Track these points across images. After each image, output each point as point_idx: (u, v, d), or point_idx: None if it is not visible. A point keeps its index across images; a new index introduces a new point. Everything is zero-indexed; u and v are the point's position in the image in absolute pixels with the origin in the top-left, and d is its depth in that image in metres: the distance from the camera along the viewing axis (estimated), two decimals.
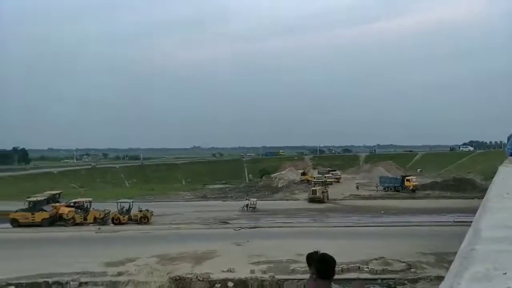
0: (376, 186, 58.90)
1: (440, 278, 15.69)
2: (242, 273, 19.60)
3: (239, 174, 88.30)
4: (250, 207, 42.45)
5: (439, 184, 58.31)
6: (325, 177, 62.85)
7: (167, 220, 37.35)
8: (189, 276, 19.40)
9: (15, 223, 34.14)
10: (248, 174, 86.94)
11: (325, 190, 49.87)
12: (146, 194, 60.85)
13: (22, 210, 35.00)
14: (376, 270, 19.88)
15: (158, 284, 18.92)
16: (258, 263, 21.36)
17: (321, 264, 3.63)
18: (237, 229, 31.36)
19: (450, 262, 3.65)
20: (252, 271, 19.79)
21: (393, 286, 18.79)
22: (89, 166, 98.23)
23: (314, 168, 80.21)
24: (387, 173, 72.40)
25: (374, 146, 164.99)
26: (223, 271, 19.83)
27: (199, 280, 19.09)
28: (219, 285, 18.87)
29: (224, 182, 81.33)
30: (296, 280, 18.61)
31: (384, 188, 57.81)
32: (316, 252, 3.76)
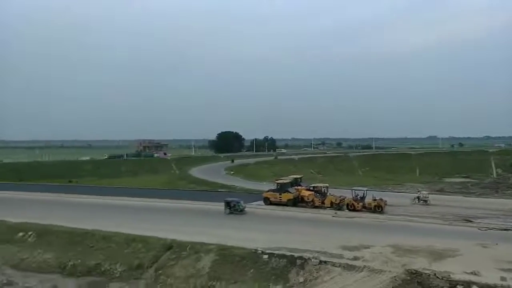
0: None
1: None
2: (490, 278, 17.47)
3: (484, 168, 77.60)
4: (421, 200, 40.58)
5: None
6: None
7: (400, 211, 36.59)
8: (427, 271, 18.56)
9: (267, 201, 39.94)
10: (496, 168, 75.48)
11: None
12: (380, 183, 61.10)
13: (272, 190, 40.67)
14: None
15: (393, 275, 18.82)
16: (510, 270, 18.62)
17: None
18: (483, 229, 28.02)
19: None
20: (503, 278, 17.41)
21: None
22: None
23: None
24: None
25: None
26: (466, 273, 18.15)
27: (437, 277, 18.03)
28: (461, 287, 17.38)
29: (465, 176, 73.35)
30: None
31: None
32: None
